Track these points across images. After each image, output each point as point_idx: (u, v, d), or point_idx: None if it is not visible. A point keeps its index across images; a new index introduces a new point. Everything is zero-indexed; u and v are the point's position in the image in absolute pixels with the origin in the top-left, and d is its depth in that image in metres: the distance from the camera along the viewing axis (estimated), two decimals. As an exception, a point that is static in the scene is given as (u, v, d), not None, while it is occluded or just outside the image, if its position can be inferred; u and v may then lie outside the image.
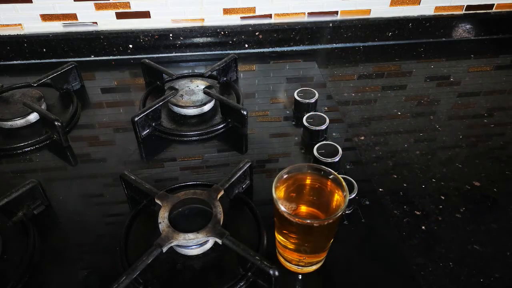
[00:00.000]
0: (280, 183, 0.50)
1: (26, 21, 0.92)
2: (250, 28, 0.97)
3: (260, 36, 0.99)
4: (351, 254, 0.55)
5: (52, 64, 0.93)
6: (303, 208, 0.52)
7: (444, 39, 1.06)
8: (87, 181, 0.66)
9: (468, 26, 1.04)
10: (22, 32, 0.93)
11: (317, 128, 0.71)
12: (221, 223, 0.54)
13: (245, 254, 0.49)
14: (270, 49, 1.01)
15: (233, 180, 0.59)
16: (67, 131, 0.75)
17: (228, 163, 0.69)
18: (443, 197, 0.64)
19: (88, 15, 0.93)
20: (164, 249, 0.50)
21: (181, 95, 0.80)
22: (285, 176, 0.51)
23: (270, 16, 0.98)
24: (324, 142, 0.67)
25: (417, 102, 0.85)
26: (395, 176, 0.68)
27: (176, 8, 0.94)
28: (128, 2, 0.92)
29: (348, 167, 0.68)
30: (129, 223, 0.57)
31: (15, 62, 0.96)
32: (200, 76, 0.89)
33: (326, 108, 0.81)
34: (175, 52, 0.99)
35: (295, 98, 0.78)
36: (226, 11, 0.96)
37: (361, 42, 1.04)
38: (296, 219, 0.46)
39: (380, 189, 0.65)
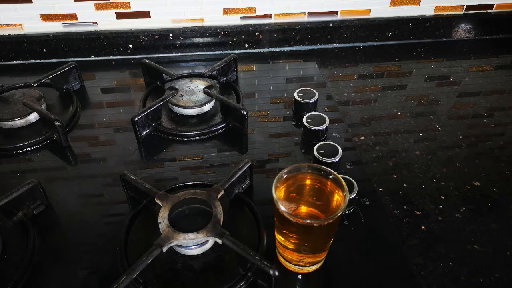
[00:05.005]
0: (280, 183, 0.50)
1: (26, 21, 0.92)
2: (250, 28, 0.97)
3: (260, 36, 0.99)
4: (351, 254, 0.55)
5: (52, 64, 0.93)
6: (303, 208, 0.52)
7: (444, 39, 1.06)
8: (87, 181, 0.66)
9: (468, 26, 1.04)
10: (22, 32, 0.93)
11: (317, 128, 0.71)
12: (221, 223, 0.54)
13: (245, 254, 0.49)
14: (270, 49, 1.01)
15: (233, 180, 0.59)
16: (67, 131, 0.75)
17: (228, 163, 0.69)
18: (443, 197, 0.64)
19: (88, 15, 0.93)
20: (164, 249, 0.50)
21: (181, 95, 0.80)
22: (285, 176, 0.51)
23: (270, 16, 0.98)
24: (324, 142, 0.67)
25: (417, 102, 0.85)
26: (395, 176, 0.68)
27: (176, 8, 0.94)
28: (128, 2, 0.92)
29: (348, 167, 0.68)
30: (129, 223, 0.57)
31: (15, 62, 0.96)
32: (200, 76, 0.89)
33: (326, 108, 0.81)
34: (175, 52, 0.99)
35: (295, 98, 0.78)
36: (226, 11, 0.96)
37: (361, 42, 1.04)
38: (296, 219, 0.46)
39: (380, 189, 0.65)
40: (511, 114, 0.81)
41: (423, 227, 0.59)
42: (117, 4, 0.92)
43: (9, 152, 0.72)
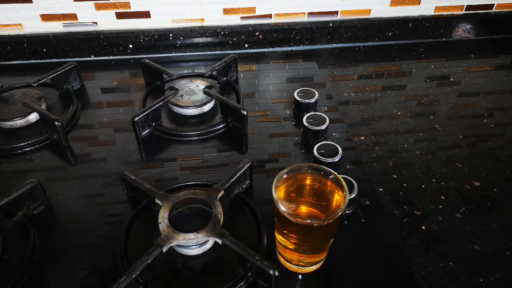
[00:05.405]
0: (280, 183, 0.50)
1: (26, 21, 0.92)
2: (250, 28, 0.97)
3: (260, 36, 0.99)
4: (351, 254, 0.55)
5: (52, 64, 0.93)
6: (303, 208, 0.52)
7: (444, 39, 1.06)
8: (87, 181, 0.66)
9: (468, 26, 1.04)
10: (22, 32, 0.93)
11: (317, 128, 0.71)
12: (221, 223, 0.54)
13: (245, 254, 0.49)
14: (270, 49, 1.01)
15: (233, 180, 0.59)
16: (67, 131, 0.75)
17: (228, 163, 0.69)
18: (443, 197, 0.64)
19: (88, 15, 0.93)
20: (164, 249, 0.50)
21: (181, 95, 0.80)
22: (285, 176, 0.51)
23: (270, 16, 0.98)
24: (324, 142, 0.67)
25: (417, 102, 0.85)
26: (395, 176, 0.68)
27: (176, 8, 0.94)
28: (128, 2, 0.92)
29: (348, 167, 0.68)
30: (129, 223, 0.57)
31: (15, 62, 0.96)
32: (200, 76, 0.89)
33: (326, 108, 0.81)
34: (175, 52, 0.99)
35: (295, 98, 0.78)
36: (226, 11, 0.96)
37: (361, 42, 1.04)
38: (296, 219, 0.46)
39: (380, 189, 0.65)
40: (511, 114, 0.82)
41: (423, 227, 0.59)
42: (117, 4, 0.92)
43: (9, 152, 0.72)
